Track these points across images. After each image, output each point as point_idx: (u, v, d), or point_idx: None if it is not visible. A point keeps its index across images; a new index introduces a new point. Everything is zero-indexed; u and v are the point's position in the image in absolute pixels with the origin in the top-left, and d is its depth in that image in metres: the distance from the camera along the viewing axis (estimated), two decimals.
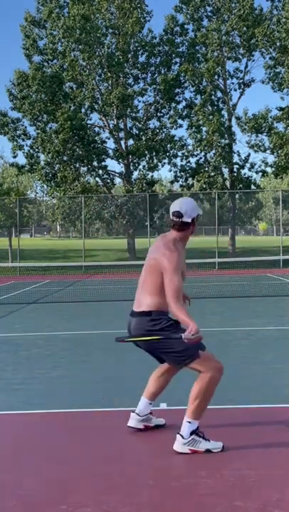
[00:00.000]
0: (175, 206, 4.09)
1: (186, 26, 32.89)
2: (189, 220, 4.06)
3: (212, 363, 4.08)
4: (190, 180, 33.65)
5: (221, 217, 33.94)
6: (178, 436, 3.94)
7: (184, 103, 33.13)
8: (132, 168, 33.06)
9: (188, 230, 4.12)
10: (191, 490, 3.33)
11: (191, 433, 3.92)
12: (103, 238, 64.96)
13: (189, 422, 3.94)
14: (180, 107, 33.12)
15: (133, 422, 4.42)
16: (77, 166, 32.57)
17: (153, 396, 4.45)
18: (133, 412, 4.43)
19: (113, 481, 3.48)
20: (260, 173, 33.64)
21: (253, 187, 34.20)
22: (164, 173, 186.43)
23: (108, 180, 33.93)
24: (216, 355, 7.21)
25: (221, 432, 4.38)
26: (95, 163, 32.70)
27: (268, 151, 32.37)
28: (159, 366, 4.45)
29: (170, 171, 34.89)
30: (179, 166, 32.97)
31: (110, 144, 34.62)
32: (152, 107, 33.48)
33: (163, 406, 4.96)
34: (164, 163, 32.97)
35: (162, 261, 3.90)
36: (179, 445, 3.92)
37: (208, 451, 3.90)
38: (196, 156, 32.85)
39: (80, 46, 31.26)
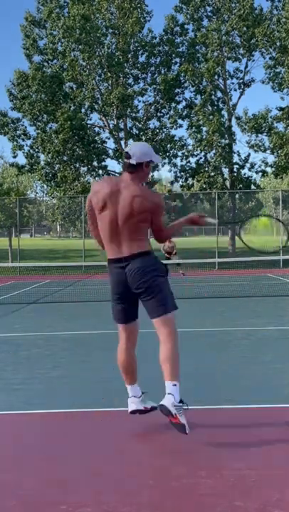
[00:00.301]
0: (127, 147, 4.15)
1: (186, 26, 32.89)
2: (134, 163, 4.02)
3: (175, 324, 4.10)
4: (190, 180, 33.65)
5: (221, 217, 33.93)
6: (169, 395, 3.84)
7: (183, 103, 33.17)
8: None
9: (137, 174, 4.07)
10: (191, 490, 3.33)
11: (181, 400, 3.89)
12: None
13: (175, 385, 3.90)
14: (180, 107, 33.14)
15: (134, 405, 4.40)
16: (77, 166, 32.59)
17: (133, 378, 4.46)
18: (130, 397, 4.45)
19: (113, 481, 3.48)
20: (260, 173, 33.65)
21: (253, 187, 34.21)
22: (164, 173, 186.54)
23: None
24: (216, 355, 7.23)
25: (221, 431, 4.38)
26: (95, 163, 32.71)
27: (268, 151, 32.37)
28: (120, 348, 4.46)
29: (170, 171, 34.87)
30: (179, 166, 32.99)
31: (110, 144, 34.71)
32: (152, 107, 33.49)
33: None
34: (164, 163, 32.97)
35: (151, 208, 4.03)
36: (169, 403, 3.82)
37: (183, 426, 3.86)
38: (196, 156, 32.86)
39: (80, 46, 31.27)
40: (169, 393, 3.88)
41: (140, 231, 4.05)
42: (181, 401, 3.90)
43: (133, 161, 4.02)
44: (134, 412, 4.42)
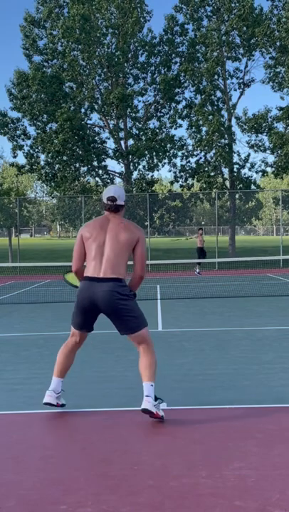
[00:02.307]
0: (109, 192, 4.79)
1: (185, 26, 32.88)
2: (122, 203, 4.79)
3: (149, 336, 4.81)
4: (190, 180, 33.65)
5: (221, 217, 33.94)
6: (147, 397, 4.52)
7: (183, 103, 33.15)
8: (131, 168, 33.05)
9: (121, 212, 4.83)
10: (191, 490, 3.33)
11: (156, 397, 4.58)
12: None
13: (152, 385, 4.57)
14: (180, 106, 33.13)
15: (50, 398, 4.88)
16: (77, 166, 32.58)
17: (64, 374, 5.05)
18: (49, 390, 4.92)
19: (113, 481, 3.48)
20: (260, 173, 33.65)
21: (253, 187, 34.21)
22: (164, 173, 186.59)
23: (108, 180, 33.92)
24: (216, 355, 7.24)
25: (221, 431, 4.38)
26: (95, 163, 32.71)
27: (268, 151, 32.37)
28: (67, 345, 5.14)
29: (170, 171, 34.89)
30: (179, 166, 32.98)
31: (110, 144, 34.70)
32: (152, 107, 33.48)
33: (163, 406, 4.95)
34: (164, 163, 32.97)
35: (137, 239, 4.68)
36: (150, 405, 4.50)
37: (162, 417, 4.57)
38: (196, 156, 32.85)
39: (79, 46, 31.26)
40: (147, 395, 4.53)
41: (122, 258, 4.64)
42: (156, 398, 4.59)
43: (121, 202, 4.77)
44: (46, 403, 4.89)
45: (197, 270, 22.08)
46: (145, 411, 4.50)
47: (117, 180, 35.61)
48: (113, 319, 4.71)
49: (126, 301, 4.60)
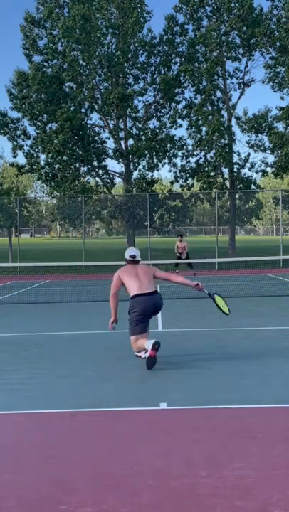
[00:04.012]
0: (131, 252, 7.36)
1: (185, 26, 32.87)
2: (140, 259, 7.35)
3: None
4: (190, 180, 33.64)
5: (221, 217, 33.94)
6: (155, 341, 6.50)
7: (183, 103, 33.13)
8: (131, 168, 33.05)
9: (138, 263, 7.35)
10: (191, 490, 3.33)
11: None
12: (103, 238, 64.99)
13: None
14: (180, 106, 33.13)
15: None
16: (77, 166, 32.57)
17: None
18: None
19: (113, 481, 3.48)
20: (260, 173, 33.65)
21: (253, 187, 34.20)
22: (164, 173, 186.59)
23: (108, 180, 33.92)
24: (216, 355, 7.24)
25: (221, 431, 4.38)
26: (95, 163, 32.70)
27: (268, 151, 32.37)
28: (137, 339, 6.74)
29: (170, 171, 34.89)
30: (179, 166, 32.97)
31: (110, 144, 34.70)
32: (152, 107, 33.48)
33: (163, 406, 4.96)
34: (164, 163, 32.96)
35: (154, 271, 7.29)
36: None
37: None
38: (196, 156, 32.84)
39: (80, 46, 31.25)
40: (156, 340, 6.48)
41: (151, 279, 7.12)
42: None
43: (139, 259, 7.33)
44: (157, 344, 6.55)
45: (193, 272, 21.74)
46: (156, 342, 6.43)
47: (117, 180, 35.64)
48: (152, 316, 6.96)
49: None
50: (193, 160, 32.86)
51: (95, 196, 33.12)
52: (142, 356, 6.75)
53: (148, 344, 6.50)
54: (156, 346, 6.39)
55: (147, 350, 6.49)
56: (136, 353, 6.94)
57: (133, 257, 7.29)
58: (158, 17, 78.49)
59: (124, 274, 7.16)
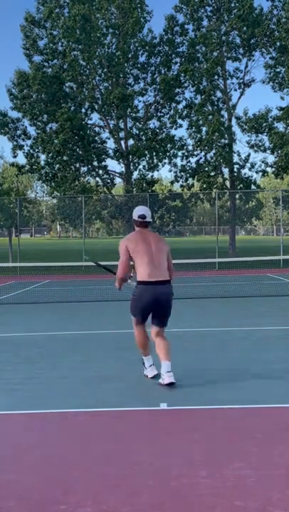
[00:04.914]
0: (140, 211, 5.99)
1: (185, 26, 32.87)
2: (150, 221, 6.01)
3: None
4: (190, 180, 33.64)
5: (222, 217, 33.94)
6: (169, 373, 5.54)
7: (183, 103, 33.13)
8: (132, 168, 33.05)
9: (149, 226, 6.06)
10: (191, 490, 3.33)
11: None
12: (103, 238, 64.99)
13: (169, 363, 5.69)
14: (180, 106, 33.12)
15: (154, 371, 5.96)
16: (77, 166, 32.57)
17: (149, 350, 6.14)
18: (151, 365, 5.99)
19: (113, 481, 3.48)
20: (260, 173, 33.64)
21: (253, 187, 34.20)
22: (164, 173, 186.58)
23: (108, 180, 33.92)
24: (216, 355, 7.24)
25: (221, 431, 4.38)
26: (95, 163, 32.70)
27: (268, 151, 32.36)
28: (140, 331, 5.99)
29: (170, 171, 34.90)
30: (179, 166, 32.97)
31: (110, 144, 34.73)
32: (152, 107, 33.48)
33: (163, 406, 4.96)
34: (164, 163, 32.96)
35: (168, 249, 5.97)
36: (173, 378, 5.55)
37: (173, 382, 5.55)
38: (196, 156, 32.84)
39: (80, 46, 31.25)
40: (168, 371, 5.56)
41: (166, 264, 5.87)
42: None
43: (149, 220, 5.98)
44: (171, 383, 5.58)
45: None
46: (171, 384, 5.49)
47: (118, 180, 35.63)
48: (160, 312, 5.82)
49: (173, 299, 5.84)
50: (193, 160, 32.89)
51: (95, 196, 33.11)
52: (149, 376, 5.98)
53: (163, 369, 5.62)
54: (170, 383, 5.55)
55: (160, 374, 5.72)
56: (144, 366, 6.09)
57: (142, 217, 5.91)
58: (158, 17, 78.59)
59: (133, 244, 5.75)
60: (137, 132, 32.98)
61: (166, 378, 5.50)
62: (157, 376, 5.78)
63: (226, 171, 33.66)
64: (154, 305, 5.71)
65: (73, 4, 30.86)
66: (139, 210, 5.97)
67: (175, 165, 32.97)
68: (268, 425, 4.51)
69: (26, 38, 32.78)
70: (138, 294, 5.73)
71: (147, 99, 33.26)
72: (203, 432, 4.38)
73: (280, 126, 32.12)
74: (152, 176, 33.73)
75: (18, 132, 32.07)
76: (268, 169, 33.39)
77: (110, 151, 33.24)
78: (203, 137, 31.33)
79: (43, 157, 32.02)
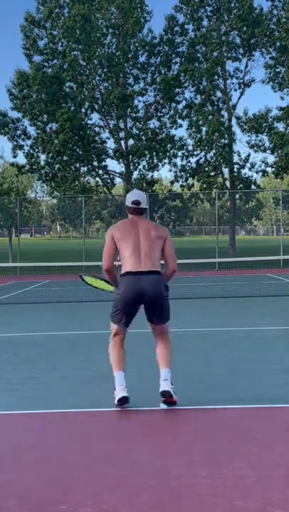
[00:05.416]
0: (133, 196, 5.13)
1: (185, 26, 32.87)
2: (146, 207, 5.17)
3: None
4: (190, 180, 33.64)
5: (222, 217, 33.93)
6: (166, 381, 4.82)
7: (183, 103, 33.15)
8: (132, 168, 33.05)
9: (144, 214, 5.21)
10: (191, 490, 3.33)
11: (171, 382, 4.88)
12: (103, 238, 64.93)
13: (169, 371, 4.92)
14: (180, 106, 33.13)
15: (124, 392, 4.89)
16: (77, 166, 32.58)
17: (124, 366, 5.07)
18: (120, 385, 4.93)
19: (113, 481, 3.48)
20: (260, 173, 33.65)
21: (253, 187, 34.20)
22: (164, 173, 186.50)
23: (108, 180, 33.92)
24: (216, 355, 7.23)
25: (221, 431, 4.38)
26: (95, 163, 32.70)
27: (268, 151, 32.37)
28: (116, 343, 5.05)
29: (170, 171, 34.91)
30: (179, 166, 32.97)
31: (110, 144, 34.77)
32: (152, 107, 33.48)
33: (163, 406, 4.95)
34: (164, 163, 32.97)
35: (166, 236, 5.07)
36: (169, 387, 4.81)
37: (175, 402, 4.87)
38: (196, 156, 32.84)
39: (80, 46, 31.26)
40: (165, 379, 4.84)
41: (157, 254, 5.03)
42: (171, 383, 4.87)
43: (144, 206, 5.12)
44: (124, 399, 4.83)
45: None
46: (165, 392, 4.78)
47: (118, 180, 35.63)
48: (153, 309, 5.02)
49: (167, 292, 5.07)
50: (193, 160, 32.92)
51: (95, 196, 33.13)
52: (115, 399, 4.90)
53: (160, 376, 4.92)
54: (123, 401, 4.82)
55: (127, 398, 4.86)
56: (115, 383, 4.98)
57: (136, 203, 5.04)
58: (158, 17, 78.40)
59: (120, 232, 4.98)
60: (137, 132, 32.99)
61: (162, 385, 4.84)
62: (127, 400, 4.84)
63: (226, 171, 33.69)
64: (141, 299, 4.88)
65: (73, 4, 30.88)
66: (132, 196, 5.12)
67: (175, 165, 32.99)
68: (268, 425, 4.51)
69: (26, 38, 32.79)
70: (120, 289, 4.94)
71: (147, 99, 33.32)
72: (203, 431, 4.38)
73: (280, 126, 32.14)
74: (152, 176, 33.76)
75: (18, 132, 32.09)
76: (268, 169, 33.41)
77: (110, 151, 33.27)
78: (203, 137, 31.34)
79: (43, 157, 32.07)
